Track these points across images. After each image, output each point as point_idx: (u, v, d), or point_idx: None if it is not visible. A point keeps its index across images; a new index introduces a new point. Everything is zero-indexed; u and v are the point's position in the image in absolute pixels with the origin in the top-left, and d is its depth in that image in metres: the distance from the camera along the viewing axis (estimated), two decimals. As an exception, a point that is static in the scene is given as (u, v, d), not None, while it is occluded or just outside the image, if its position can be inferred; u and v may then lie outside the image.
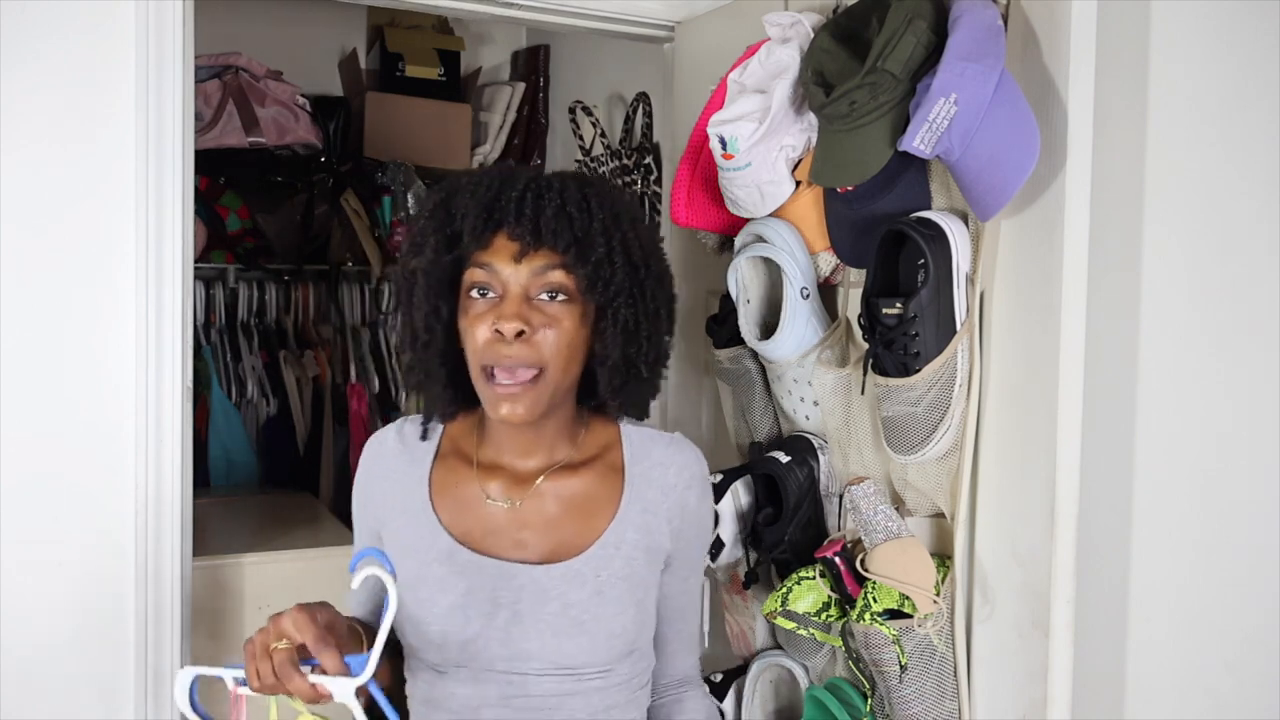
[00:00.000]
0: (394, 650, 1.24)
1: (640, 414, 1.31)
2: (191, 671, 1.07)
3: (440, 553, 1.23)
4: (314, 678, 1.01)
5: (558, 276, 1.17)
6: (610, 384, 1.23)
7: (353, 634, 1.13)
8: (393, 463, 1.30)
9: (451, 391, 1.26)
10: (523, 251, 1.16)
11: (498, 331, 1.15)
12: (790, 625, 1.59)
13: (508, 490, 1.25)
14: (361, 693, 1.03)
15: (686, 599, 1.33)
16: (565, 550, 1.22)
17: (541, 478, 1.25)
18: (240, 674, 1.05)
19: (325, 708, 1.06)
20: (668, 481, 1.26)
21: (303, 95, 3.44)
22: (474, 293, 1.18)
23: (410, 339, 1.24)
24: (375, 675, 1.03)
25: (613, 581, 1.21)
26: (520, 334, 1.14)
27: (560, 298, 1.17)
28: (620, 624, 1.21)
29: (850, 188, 1.50)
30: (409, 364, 1.27)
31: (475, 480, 1.26)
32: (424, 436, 1.30)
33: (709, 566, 1.70)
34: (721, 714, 1.77)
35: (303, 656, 1.03)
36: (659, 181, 2.89)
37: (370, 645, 1.10)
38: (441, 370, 1.24)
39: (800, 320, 1.61)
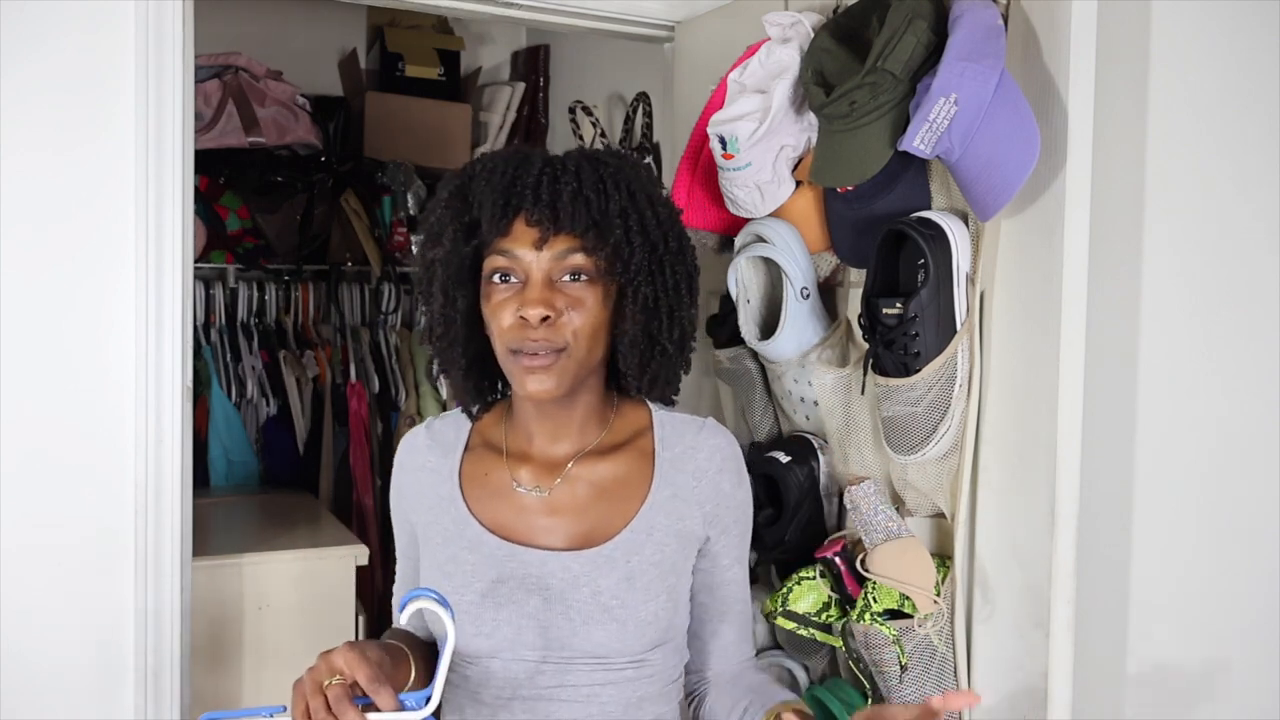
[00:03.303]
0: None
1: (669, 393, 1.29)
2: None
3: (469, 541, 1.23)
4: (372, 716, 0.97)
5: (578, 259, 1.17)
6: (631, 360, 1.22)
7: (398, 662, 1.12)
8: (424, 457, 1.30)
9: (475, 381, 1.27)
10: (543, 237, 1.16)
11: (523, 318, 1.16)
12: (790, 625, 1.59)
13: (538, 477, 1.25)
14: None
15: (736, 589, 1.30)
16: (596, 536, 1.22)
17: (571, 463, 1.24)
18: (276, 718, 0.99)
19: None
20: (699, 466, 1.25)
21: (303, 95, 3.44)
22: (495, 278, 1.19)
23: (428, 330, 1.25)
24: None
25: (644, 568, 1.20)
26: (545, 319, 1.15)
27: (582, 279, 1.18)
28: (651, 610, 1.19)
29: (850, 188, 1.50)
30: (433, 356, 1.27)
31: (505, 469, 1.26)
32: (459, 429, 1.31)
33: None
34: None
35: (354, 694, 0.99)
36: (659, 182, 2.88)
37: (412, 663, 1.11)
38: (463, 360, 1.25)
39: (800, 320, 1.61)
